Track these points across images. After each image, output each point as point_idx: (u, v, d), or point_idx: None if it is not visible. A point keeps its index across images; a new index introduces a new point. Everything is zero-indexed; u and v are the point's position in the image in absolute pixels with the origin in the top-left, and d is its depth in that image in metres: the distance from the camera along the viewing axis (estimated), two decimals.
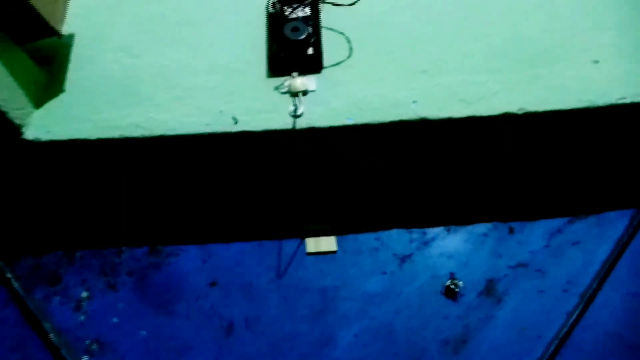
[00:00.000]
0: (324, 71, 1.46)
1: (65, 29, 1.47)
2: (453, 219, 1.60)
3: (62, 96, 1.46)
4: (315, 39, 1.46)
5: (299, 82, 1.42)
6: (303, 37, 1.45)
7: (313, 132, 1.37)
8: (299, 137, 1.39)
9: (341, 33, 1.53)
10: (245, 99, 1.42)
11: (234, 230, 1.67)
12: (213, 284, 1.60)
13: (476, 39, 1.46)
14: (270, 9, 1.53)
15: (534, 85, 1.36)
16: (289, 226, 1.65)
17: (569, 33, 1.43)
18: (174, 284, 1.60)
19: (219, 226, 1.69)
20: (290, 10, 1.49)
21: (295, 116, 1.38)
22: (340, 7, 1.52)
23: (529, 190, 1.62)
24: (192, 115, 1.41)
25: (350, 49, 1.50)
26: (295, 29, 1.46)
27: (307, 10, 1.52)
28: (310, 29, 1.46)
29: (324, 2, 1.50)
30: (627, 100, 1.32)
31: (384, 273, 1.55)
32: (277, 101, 1.42)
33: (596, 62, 1.38)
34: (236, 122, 1.39)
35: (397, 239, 1.59)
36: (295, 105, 1.38)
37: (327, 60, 1.47)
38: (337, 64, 1.47)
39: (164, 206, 1.71)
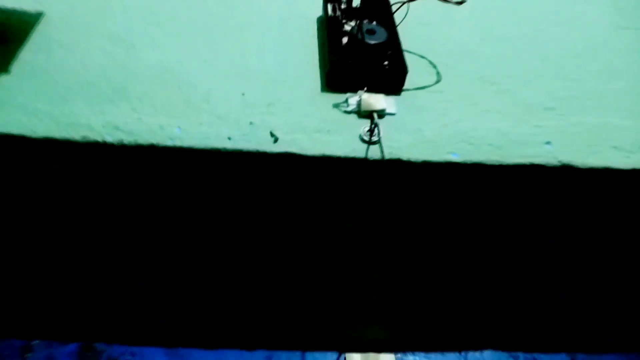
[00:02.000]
0: (403, 94, 1.10)
1: (37, 7, 1.10)
2: (585, 341, 1.13)
3: (4, 79, 1.02)
4: (392, 53, 1.12)
5: (375, 99, 1.04)
6: (382, 41, 1.10)
7: (398, 166, 0.95)
8: (375, 170, 0.96)
9: (422, 57, 1.21)
10: (291, 114, 1.03)
11: (226, 329, 1.12)
12: None
13: (615, 78, 1.16)
14: (330, 12, 1.21)
15: None
16: (322, 329, 1.12)
17: None
18: None
19: (204, 319, 1.14)
20: (354, 25, 1.17)
21: (370, 142, 0.97)
22: (420, 30, 1.24)
23: None
24: (206, 124, 0.98)
25: (438, 73, 1.16)
26: (371, 32, 1.12)
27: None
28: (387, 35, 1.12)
29: None
30: None
31: None
32: (338, 121, 1.02)
33: None
34: (276, 140, 0.96)
35: None
36: (372, 127, 0.98)
37: (406, 83, 1.11)
38: (422, 88, 1.12)
39: (114, 275, 1.17)
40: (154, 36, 1.17)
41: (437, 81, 1.15)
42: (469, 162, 0.95)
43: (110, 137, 0.94)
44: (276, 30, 1.24)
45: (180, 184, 1.01)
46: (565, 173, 0.97)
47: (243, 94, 1.06)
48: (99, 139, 0.93)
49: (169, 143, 0.94)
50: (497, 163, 0.96)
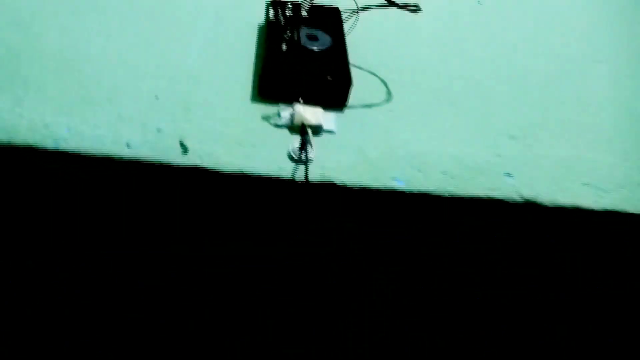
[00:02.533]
0: (346, 111, 0.96)
1: None
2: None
3: None
4: (336, 62, 0.99)
5: (310, 112, 0.90)
6: (324, 48, 0.97)
7: (331, 191, 0.80)
8: (303, 196, 0.81)
9: (372, 73, 1.08)
10: (211, 122, 0.88)
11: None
12: None
13: (588, 110, 1.06)
14: (271, 17, 1.08)
15: None
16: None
17: None
18: None
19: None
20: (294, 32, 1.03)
21: (300, 160, 0.83)
22: (372, 43, 1.13)
23: None
24: (104, 126, 0.82)
25: (388, 92, 1.04)
26: (313, 38, 0.99)
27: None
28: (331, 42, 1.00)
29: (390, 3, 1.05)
30: None
31: None
32: (266, 135, 0.88)
33: None
34: (185, 151, 0.81)
35: None
36: (303, 143, 0.84)
37: (351, 99, 0.98)
38: (369, 106, 0.99)
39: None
40: (58, 17, 1.01)
41: (387, 99, 1.02)
42: (415, 191, 0.81)
43: None
44: (210, 30, 1.10)
45: (42, 194, 0.84)
46: (529, 210, 0.83)
47: (156, 97, 0.90)
48: None
49: (51, 145, 0.77)
50: (448, 194, 0.82)
